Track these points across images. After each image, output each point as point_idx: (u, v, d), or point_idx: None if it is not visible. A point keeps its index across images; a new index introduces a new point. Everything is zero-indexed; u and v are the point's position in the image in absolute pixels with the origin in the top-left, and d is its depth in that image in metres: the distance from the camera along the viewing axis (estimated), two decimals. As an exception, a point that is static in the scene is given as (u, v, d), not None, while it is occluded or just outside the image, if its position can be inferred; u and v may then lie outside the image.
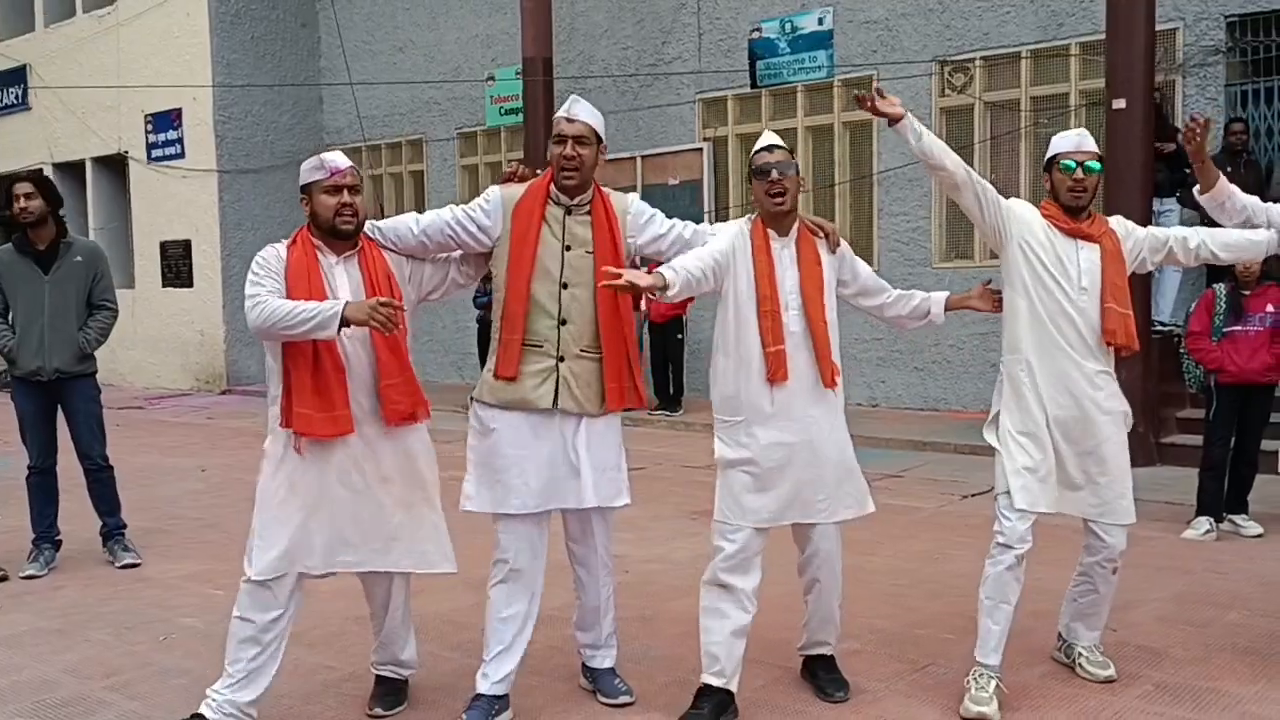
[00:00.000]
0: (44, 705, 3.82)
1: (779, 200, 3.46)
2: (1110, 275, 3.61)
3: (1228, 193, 3.83)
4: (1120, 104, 7.66)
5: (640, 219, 3.60)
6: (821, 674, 3.78)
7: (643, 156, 12.32)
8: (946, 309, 3.77)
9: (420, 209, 14.73)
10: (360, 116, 14.28)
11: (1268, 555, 5.47)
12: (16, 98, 16.98)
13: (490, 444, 3.49)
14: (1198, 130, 3.79)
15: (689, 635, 4.07)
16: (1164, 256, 3.81)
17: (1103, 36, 8.29)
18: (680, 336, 10.99)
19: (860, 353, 10.72)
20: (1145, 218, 7.33)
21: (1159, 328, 8.43)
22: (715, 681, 3.51)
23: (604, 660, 3.78)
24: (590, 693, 3.78)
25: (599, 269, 3.38)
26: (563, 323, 3.45)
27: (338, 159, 3.46)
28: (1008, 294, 3.73)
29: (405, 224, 3.53)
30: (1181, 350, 6.31)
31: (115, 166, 15.98)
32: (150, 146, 15.21)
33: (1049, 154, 3.75)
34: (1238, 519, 5.97)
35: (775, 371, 3.43)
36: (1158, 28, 8.08)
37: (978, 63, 10.15)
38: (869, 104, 3.51)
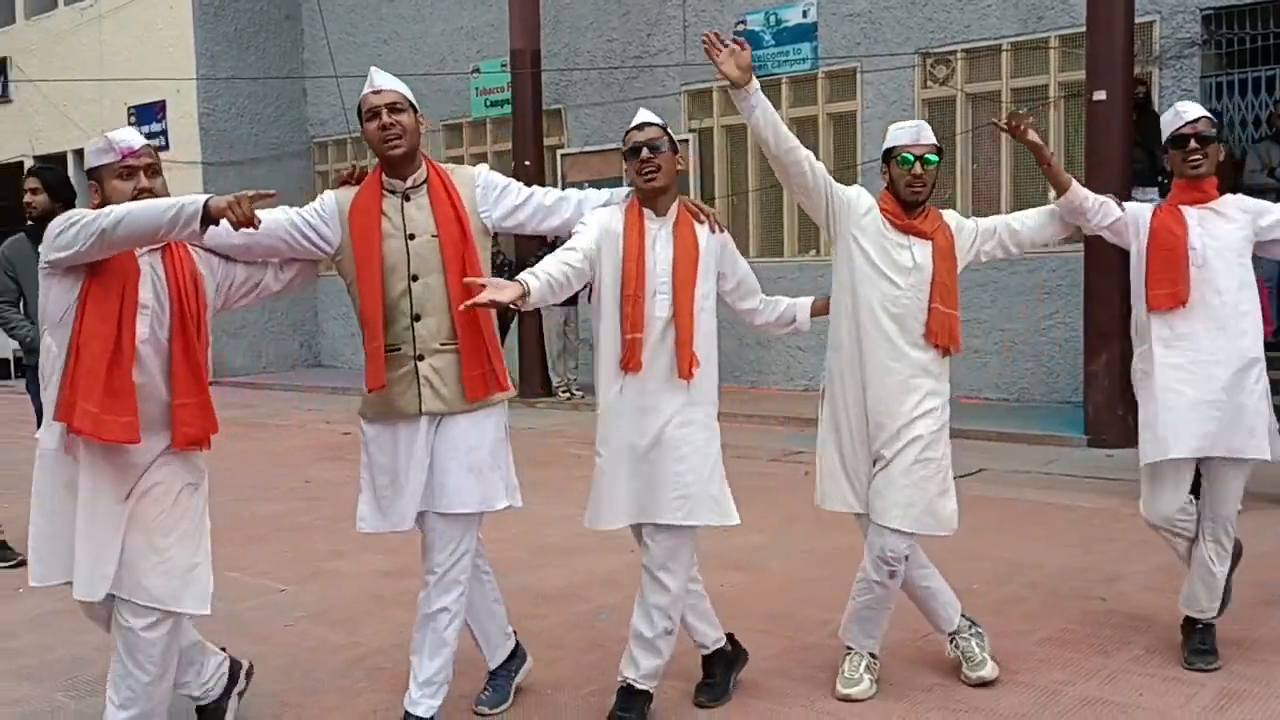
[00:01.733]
0: (79, 681, 3.95)
1: (650, 177, 3.30)
2: (940, 273, 3.51)
3: (1083, 195, 3.81)
4: (1100, 95, 7.87)
5: (492, 192, 3.36)
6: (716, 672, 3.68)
7: (629, 148, 12.45)
8: (812, 315, 3.72)
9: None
10: (345, 108, 14.31)
11: (1240, 528, 5.69)
12: (-4, 90, 16.92)
13: (369, 460, 3.36)
14: (1019, 125, 3.69)
15: (716, 601, 4.24)
16: (995, 243, 3.71)
17: (1082, 29, 8.50)
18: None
19: (845, 340, 10.92)
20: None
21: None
22: (708, 651, 3.69)
23: (416, 706, 3.31)
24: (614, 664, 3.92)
25: (447, 253, 3.21)
26: (416, 319, 3.23)
27: (129, 137, 3.04)
28: (835, 289, 3.61)
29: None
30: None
31: (98, 159, 15.94)
32: (134, 139, 15.20)
33: (886, 145, 3.60)
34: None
35: (628, 359, 3.28)
36: (1135, 20, 8.30)
37: (959, 55, 10.35)
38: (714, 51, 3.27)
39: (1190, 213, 3.81)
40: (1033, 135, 3.73)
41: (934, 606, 3.77)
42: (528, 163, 11.42)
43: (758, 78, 3.35)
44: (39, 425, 5.59)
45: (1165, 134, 3.88)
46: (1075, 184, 3.82)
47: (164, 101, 14.82)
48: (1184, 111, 3.84)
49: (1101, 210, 3.85)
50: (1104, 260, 7.81)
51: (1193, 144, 3.78)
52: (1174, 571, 4.90)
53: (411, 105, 3.25)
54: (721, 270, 3.47)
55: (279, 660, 4.08)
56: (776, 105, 11.13)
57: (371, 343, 3.24)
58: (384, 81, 3.25)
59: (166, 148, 14.87)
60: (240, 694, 3.49)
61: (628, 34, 12.43)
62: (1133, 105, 8.17)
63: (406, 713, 3.31)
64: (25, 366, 5.64)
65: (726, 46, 3.26)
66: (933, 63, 10.53)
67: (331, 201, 3.29)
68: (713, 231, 3.43)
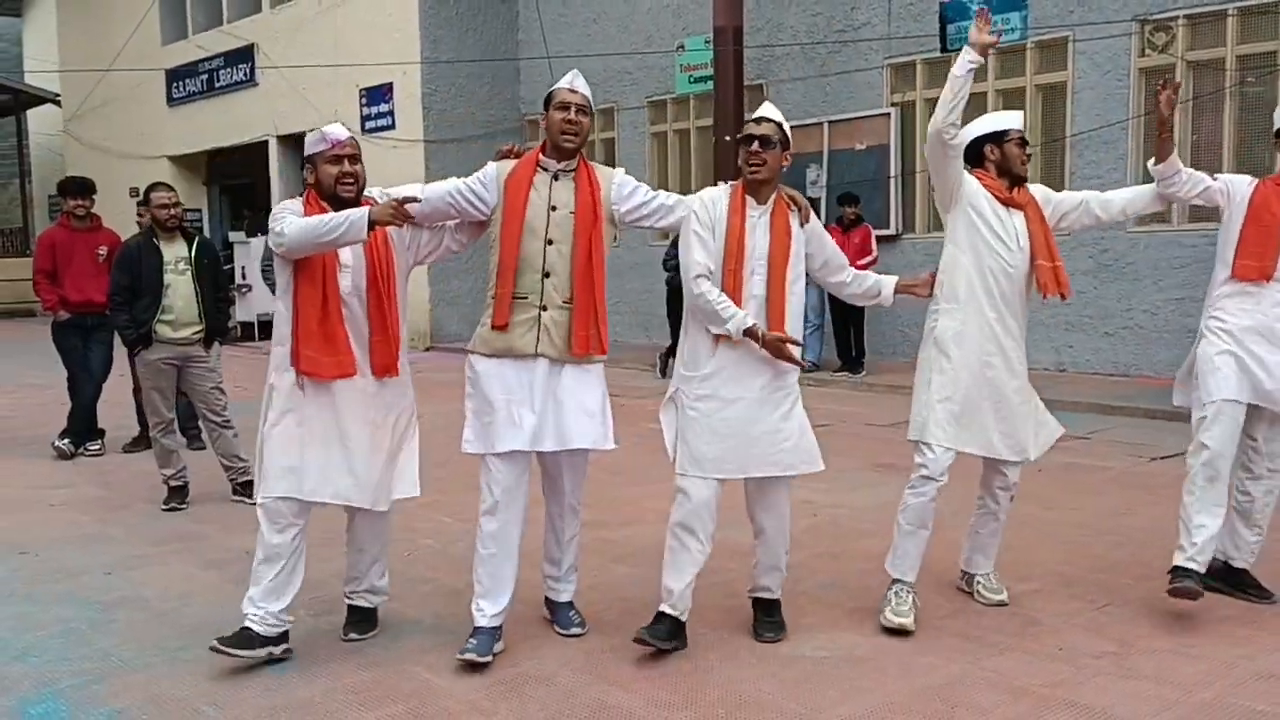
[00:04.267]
0: (319, 600, 4.48)
1: (755, 170, 3.78)
2: (1037, 236, 4.06)
3: (1177, 166, 4.20)
4: (1332, 62, 7.41)
5: (624, 189, 3.90)
6: (761, 615, 4.04)
7: (830, 122, 12.49)
8: (895, 292, 4.10)
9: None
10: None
11: None
12: (245, 74, 18.41)
13: (482, 391, 3.80)
14: (1172, 99, 4.14)
15: (872, 571, 4.43)
16: (1080, 213, 4.26)
17: (1317, -9, 8.02)
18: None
19: (1047, 318, 10.67)
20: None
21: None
22: (670, 611, 3.84)
23: (561, 594, 4.11)
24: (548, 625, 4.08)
25: (579, 227, 3.76)
26: (546, 275, 3.76)
27: (338, 132, 3.78)
28: (950, 250, 4.12)
29: (410, 194, 3.81)
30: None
31: (332, 137, 17.14)
32: (364, 119, 16.29)
33: (987, 130, 4.17)
34: None
35: None
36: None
37: (1181, 21, 9.89)
38: None
39: None
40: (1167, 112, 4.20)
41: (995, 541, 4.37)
42: (728, 138, 11.61)
43: (959, 50, 3.94)
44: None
45: None
46: (1175, 155, 4.23)
47: (391, 83, 15.79)
48: None
49: (1191, 180, 4.25)
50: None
51: None
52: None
53: (593, 112, 3.89)
54: (810, 252, 3.94)
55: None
56: (982, 78, 11.10)
57: (502, 288, 3.78)
58: (582, 85, 3.85)
59: (393, 126, 15.89)
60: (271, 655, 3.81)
61: (831, 8, 12.43)
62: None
63: (548, 599, 4.12)
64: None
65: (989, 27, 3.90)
66: (1151, 29, 10.10)
67: (493, 169, 3.88)
68: (802, 225, 3.88)
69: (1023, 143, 4.14)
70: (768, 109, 3.90)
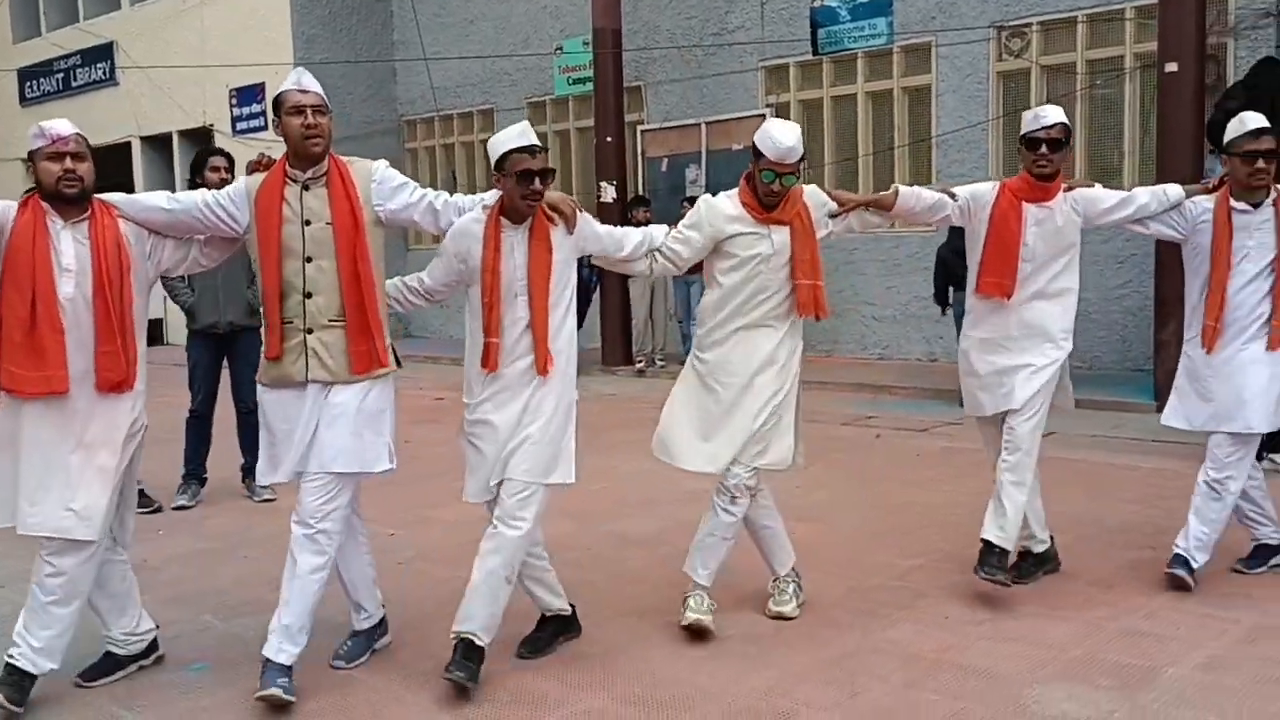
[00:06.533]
0: (224, 605, 4.50)
1: (534, 205, 3.56)
2: (800, 253, 3.88)
3: (910, 203, 4.17)
4: (1172, 67, 7.97)
5: (387, 186, 3.63)
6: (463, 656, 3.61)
7: (707, 123, 12.76)
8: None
9: (489, 176, 15.36)
10: (433, 88, 14.86)
11: None
12: (105, 73, 17.78)
13: (267, 421, 3.67)
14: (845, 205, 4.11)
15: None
16: (844, 225, 4.11)
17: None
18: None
19: (919, 310, 11.15)
20: (1197, 179, 7.68)
21: None
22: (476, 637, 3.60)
23: (279, 654, 3.52)
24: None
25: (340, 240, 3.52)
26: (308, 296, 3.53)
27: (59, 127, 3.47)
28: (707, 283, 4.03)
29: (156, 201, 3.64)
30: None
31: (201, 138, 16.70)
32: (235, 119, 15.93)
33: (759, 147, 3.87)
34: (1277, 458, 6.42)
35: (486, 360, 3.57)
36: (1210, -8, 8.37)
37: (1035, 27, 10.46)
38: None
39: (1030, 210, 4.14)
40: (847, 197, 4.12)
41: (773, 548, 4.23)
42: (609, 139, 11.78)
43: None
44: (190, 382, 6.23)
45: (1023, 131, 4.19)
46: (901, 195, 4.15)
47: (264, 84, 15.45)
48: (1043, 116, 4.15)
49: (934, 206, 4.25)
50: (1173, 230, 7.95)
51: (1044, 149, 4.09)
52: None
53: (329, 110, 3.61)
54: (585, 250, 3.83)
55: (393, 593, 4.54)
56: (852, 80, 11.54)
57: (270, 316, 3.59)
58: (310, 83, 3.61)
59: (265, 128, 15.55)
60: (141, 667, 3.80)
61: (706, 11, 12.72)
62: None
63: (267, 659, 3.49)
64: (188, 333, 6.29)
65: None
66: (1008, 35, 10.66)
67: (242, 186, 3.65)
68: (569, 233, 3.69)
69: (771, 177, 3.81)
70: (527, 134, 3.61)
